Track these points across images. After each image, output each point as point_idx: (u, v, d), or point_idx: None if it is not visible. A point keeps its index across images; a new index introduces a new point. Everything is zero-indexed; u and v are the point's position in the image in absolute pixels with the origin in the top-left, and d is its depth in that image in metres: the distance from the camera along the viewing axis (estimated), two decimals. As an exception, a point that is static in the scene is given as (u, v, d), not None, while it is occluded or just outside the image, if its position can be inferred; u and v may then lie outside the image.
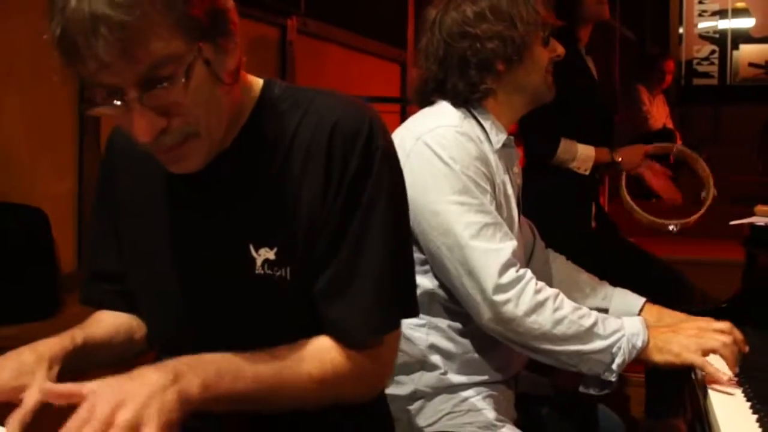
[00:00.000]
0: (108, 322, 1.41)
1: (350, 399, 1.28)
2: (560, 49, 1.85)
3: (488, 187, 1.69)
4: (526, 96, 1.84)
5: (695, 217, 3.00)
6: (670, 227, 2.95)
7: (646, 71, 7.40)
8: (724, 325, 1.64)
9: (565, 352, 1.63)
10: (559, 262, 2.08)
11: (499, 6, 1.76)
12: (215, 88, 1.16)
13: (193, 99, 1.12)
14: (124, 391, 1.03)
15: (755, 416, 1.33)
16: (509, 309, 1.61)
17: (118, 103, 1.10)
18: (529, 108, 1.89)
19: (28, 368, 1.19)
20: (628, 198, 2.97)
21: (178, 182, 1.27)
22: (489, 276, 1.61)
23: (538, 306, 1.61)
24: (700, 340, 1.59)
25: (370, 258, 1.24)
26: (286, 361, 1.20)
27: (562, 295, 1.66)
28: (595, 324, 1.63)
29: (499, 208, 1.73)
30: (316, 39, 3.90)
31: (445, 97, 1.81)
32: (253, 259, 1.25)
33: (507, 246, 1.64)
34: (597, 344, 1.62)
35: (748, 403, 1.40)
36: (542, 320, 1.61)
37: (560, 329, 1.61)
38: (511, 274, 1.62)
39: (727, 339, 1.57)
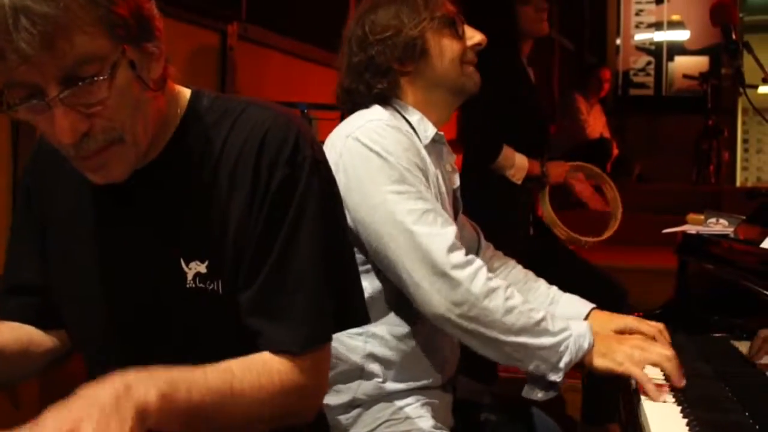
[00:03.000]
0: (1, 333, 1.34)
1: (295, 413, 1.26)
2: (478, 38, 1.88)
3: (422, 177, 1.70)
4: (443, 89, 1.86)
5: (605, 236, 3.09)
6: (583, 243, 3.04)
7: (583, 80, 7.52)
8: (665, 345, 1.67)
9: (513, 343, 1.62)
10: (508, 265, 2.10)
11: (389, 11, 1.82)
12: (140, 94, 1.14)
13: (116, 101, 1.10)
14: (74, 416, 0.95)
15: (685, 420, 1.36)
16: (462, 290, 1.60)
17: (38, 102, 1.07)
18: (455, 101, 1.91)
19: None
20: (551, 211, 3.03)
21: (106, 194, 1.24)
22: (438, 257, 1.60)
23: (491, 291, 1.61)
24: (644, 353, 1.61)
25: (299, 270, 1.22)
26: (235, 372, 1.16)
27: (512, 287, 1.67)
28: (543, 319, 1.64)
29: (434, 198, 1.74)
30: (257, 45, 3.87)
31: (356, 102, 1.85)
32: (184, 273, 1.23)
33: (449, 230, 1.65)
34: (545, 340, 1.63)
35: (679, 408, 1.43)
36: (493, 307, 1.60)
37: (510, 319, 1.61)
38: (460, 255, 1.62)
39: (668, 353, 1.60)
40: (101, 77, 1.07)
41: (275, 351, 1.22)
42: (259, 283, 1.22)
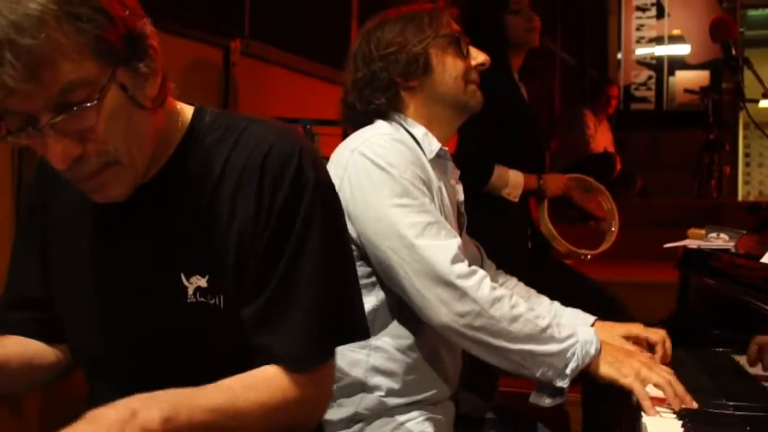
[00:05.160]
0: (5, 346, 1.35)
1: (296, 425, 1.27)
2: (482, 58, 1.91)
3: (426, 190, 1.73)
4: (446, 106, 1.89)
5: (602, 248, 3.08)
6: (582, 256, 3.03)
7: (592, 96, 7.54)
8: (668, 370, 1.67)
9: (520, 351, 1.64)
10: (509, 283, 2.11)
11: (394, 29, 1.85)
12: (134, 115, 1.15)
13: (108, 125, 1.11)
14: None
15: (686, 435, 1.37)
16: (467, 299, 1.62)
17: (32, 130, 1.08)
18: (457, 118, 1.93)
19: None
20: (549, 224, 3.02)
21: (106, 209, 1.25)
22: (442, 268, 1.63)
23: (496, 300, 1.63)
24: (650, 373, 1.62)
25: (302, 287, 1.23)
26: (237, 390, 1.18)
27: (516, 296, 1.69)
28: (549, 326, 1.66)
29: (438, 211, 1.75)
30: (260, 61, 3.89)
31: (355, 119, 1.88)
32: (185, 288, 1.24)
33: (452, 242, 1.67)
34: (552, 347, 1.64)
35: (680, 422, 1.43)
36: (499, 315, 1.63)
37: (516, 326, 1.63)
38: (464, 266, 1.65)
39: (672, 378, 1.61)
40: (90, 103, 1.08)
41: (281, 365, 1.24)
42: (264, 299, 1.24)
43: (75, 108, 1.07)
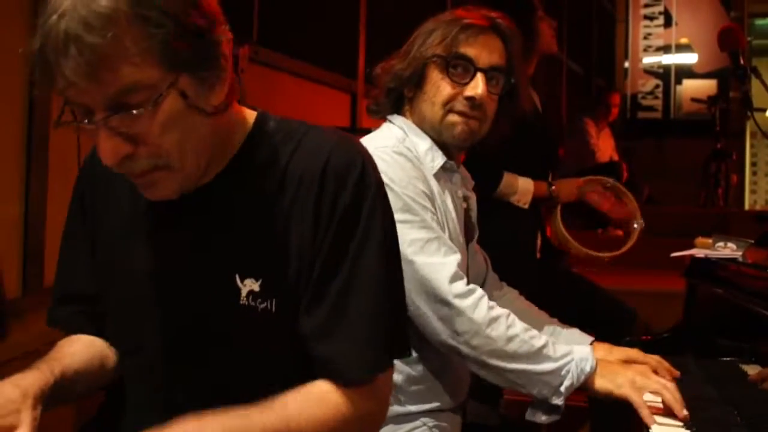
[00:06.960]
0: (81, 353, 1.34)
1: None
2: (474, 91, 1.80)
3: (429, 205, 1.72)
4: (426, 127, 1.85)
5: (625, 249, 3.04)
6: (604, 260, 3.00)
7: (593, 104, 7.54)
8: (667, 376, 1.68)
9: (515, 370, 1.65)
10: (510, 296, 2.11)
11: (428, 28, 1.84)
12: (193, 121, 1.13)
13: (161, 130, 1.10)
14: None
15: (694, 444, 1.37)
16: (464, 319, 1.63)
17: (87, 123, 1.08)
18: (440, 144, 1.86)
19: (12, 405, 1.12)
20: (563, 230, 3.00)
21: (163, 207, 1.23)
22: (440, 287, 1.63)
23: (493, 320, 1.64)
24: (645, 381, 1.62)
25: (363, 296, 1.23)
26: (290, 410, 1.17)
27: (513, 316, 1.68)
28: (545, 345, 1.66)
29: (440, 226, 1.75)
30: (268, 68, 3.90)
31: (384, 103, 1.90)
32: (239, 290, 1.22)
33: (452, 259, 1.67)
34: (546, 365, 1.65)
35: (687, 431, 1.43)
36: (495, 335, 1.63)
37: (512, 347, 1.64)
38: (461, 285, 1.65)
39: (669, 384, 1.61)
40: (145, 108, 1.07)
41: (334, 377, 1.23)
42: (324, 309, 1.23)
43: (130, 111, 1.07)
